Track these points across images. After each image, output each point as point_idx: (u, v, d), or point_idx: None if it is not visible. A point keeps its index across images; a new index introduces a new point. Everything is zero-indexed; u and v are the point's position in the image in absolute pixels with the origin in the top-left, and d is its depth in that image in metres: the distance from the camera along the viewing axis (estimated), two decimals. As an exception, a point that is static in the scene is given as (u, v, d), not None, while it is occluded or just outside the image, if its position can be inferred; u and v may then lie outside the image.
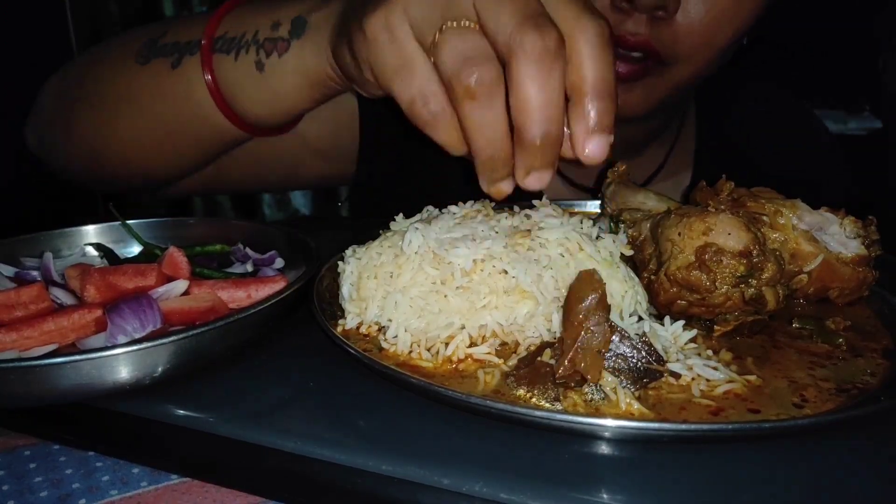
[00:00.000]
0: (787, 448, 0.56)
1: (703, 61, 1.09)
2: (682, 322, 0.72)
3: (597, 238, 0.78)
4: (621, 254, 0.79)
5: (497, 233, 0.77)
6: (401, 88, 0.66)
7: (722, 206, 0.79)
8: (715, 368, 0.66)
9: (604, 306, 0.64)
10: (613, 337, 0.63)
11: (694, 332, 0.71)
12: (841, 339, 0.74)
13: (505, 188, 0.68)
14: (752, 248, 0.70)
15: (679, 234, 0.73)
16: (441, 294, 0.73)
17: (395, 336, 0.72)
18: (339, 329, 0.76)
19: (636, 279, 0.77)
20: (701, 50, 1.07)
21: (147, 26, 1.11)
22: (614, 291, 0.73)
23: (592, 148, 0.64)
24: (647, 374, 0.63)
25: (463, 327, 0.71)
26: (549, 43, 0.60)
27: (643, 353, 0.63)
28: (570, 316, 0.64)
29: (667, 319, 0.73)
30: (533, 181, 0.65)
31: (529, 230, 0.77)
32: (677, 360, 0.66)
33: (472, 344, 0.70)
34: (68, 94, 1.13)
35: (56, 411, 0.64)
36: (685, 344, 0.70)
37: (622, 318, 0.71)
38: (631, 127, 1.23)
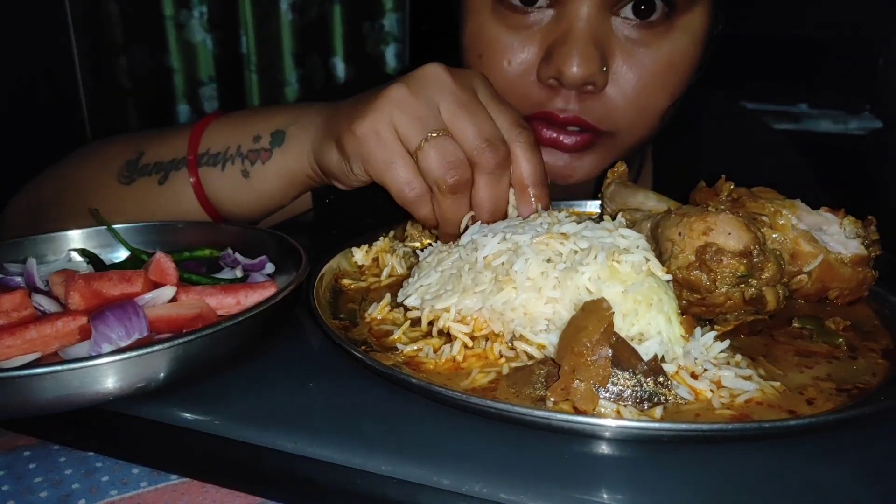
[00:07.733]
0: (787, 448, 0.56)
1: (644, 127, 1.07)
2: (713, 333, 0.70)
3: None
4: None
5: (538, 230, 0.76)
6: (392, 178, 0.85)
7: (722, 206, 0.79)
8: (748, 378, 0.64)
9: (608, 339, 0.62)
10: (615, 370, 0.61)
11: (727, 342, 0.69)
12: (841, 339, 0.74)
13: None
14: (752, 247, 0.70)
15: (679, 233, 0.73)
16: (458, 275, 0.75)
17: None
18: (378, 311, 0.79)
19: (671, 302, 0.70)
20: (638, 118, 1.04)
21: (111, 141, 1.15)
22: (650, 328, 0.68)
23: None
24: (651, 398, 0.61)
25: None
26: (500, 158, 0.83)
27: (645, 385, 0.61)
28: (572, 344, 0.62)
29: (697, 330, 0.70)
30: None
31: (567, 234, 0.74)
32: (705, 370, 0.64)
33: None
34: (43, 210, 1.13)
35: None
36: (717, 354, 0.68)
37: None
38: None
